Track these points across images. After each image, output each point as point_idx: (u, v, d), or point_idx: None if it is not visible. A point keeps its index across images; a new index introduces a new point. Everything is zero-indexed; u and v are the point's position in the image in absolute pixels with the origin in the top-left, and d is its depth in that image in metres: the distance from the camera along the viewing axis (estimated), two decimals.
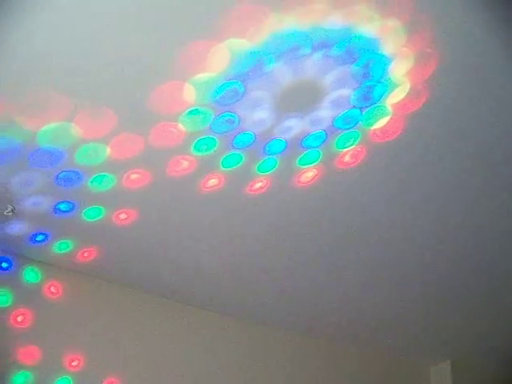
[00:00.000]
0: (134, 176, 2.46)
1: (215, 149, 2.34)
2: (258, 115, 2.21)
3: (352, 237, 2.87)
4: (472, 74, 2.10)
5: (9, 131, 2.24)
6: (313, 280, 3.19)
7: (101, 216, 2.68)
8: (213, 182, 2.50)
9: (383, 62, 2.05)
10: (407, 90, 2.15)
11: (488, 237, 2.90)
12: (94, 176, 2.45)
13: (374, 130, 2.30)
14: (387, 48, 2.00)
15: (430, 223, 2.79)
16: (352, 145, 2.37)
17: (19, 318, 2.87)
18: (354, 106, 2.20)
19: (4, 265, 2.94)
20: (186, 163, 2.41)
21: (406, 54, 2.02)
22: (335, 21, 1.88)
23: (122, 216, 2.69)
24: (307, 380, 3.55)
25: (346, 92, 2.14)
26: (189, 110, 2.17)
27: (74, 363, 2.91)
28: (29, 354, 2.82)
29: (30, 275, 3.00)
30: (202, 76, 2.04)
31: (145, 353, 3.14)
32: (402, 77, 2.10)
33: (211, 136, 2.28)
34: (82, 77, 2.05)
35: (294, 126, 2.27)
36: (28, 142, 2.28)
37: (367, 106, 2.20)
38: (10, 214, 2.65)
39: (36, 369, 2.81)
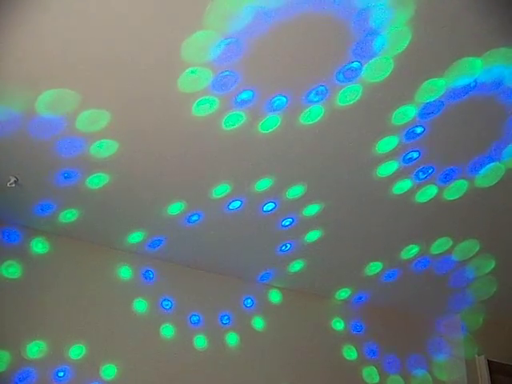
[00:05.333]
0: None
1: (216, 109, 2.32)
2: (258, 72, 2.18)
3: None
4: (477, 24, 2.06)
5: (7, 100, 2.23)
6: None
7: (104, 183, 2.68)
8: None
9: (384, 12, 2.00)
10: (409, 41, 2.10)
11: None
12: (97, 142, 2.45)
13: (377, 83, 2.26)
14: None
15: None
16: (354, 99, 2.33)
17: (29, 289, 2.90)
18: (355, 59, 2.16)
19: (11, 236, 2.95)
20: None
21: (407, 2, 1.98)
22: None
23: None
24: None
25: (346, 44, 2.10)
26: (187, 70, 2.14)
27: (88, 330, 2.94)
28: (40, 323, 2.85)
29: (38, 246, 3.01)
30: (199, 34, 2.01)
31: (155, 317, 3.17)
32: (403, 27, 2.06)
33: (211, 96, 2.26)
34: (76, 46, 2.03)
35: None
36: (27, 111, 2.27)
37: (368, 59, 2.16)
38: (14, 185, 2.65)
39: (49, 338, 2.85)
